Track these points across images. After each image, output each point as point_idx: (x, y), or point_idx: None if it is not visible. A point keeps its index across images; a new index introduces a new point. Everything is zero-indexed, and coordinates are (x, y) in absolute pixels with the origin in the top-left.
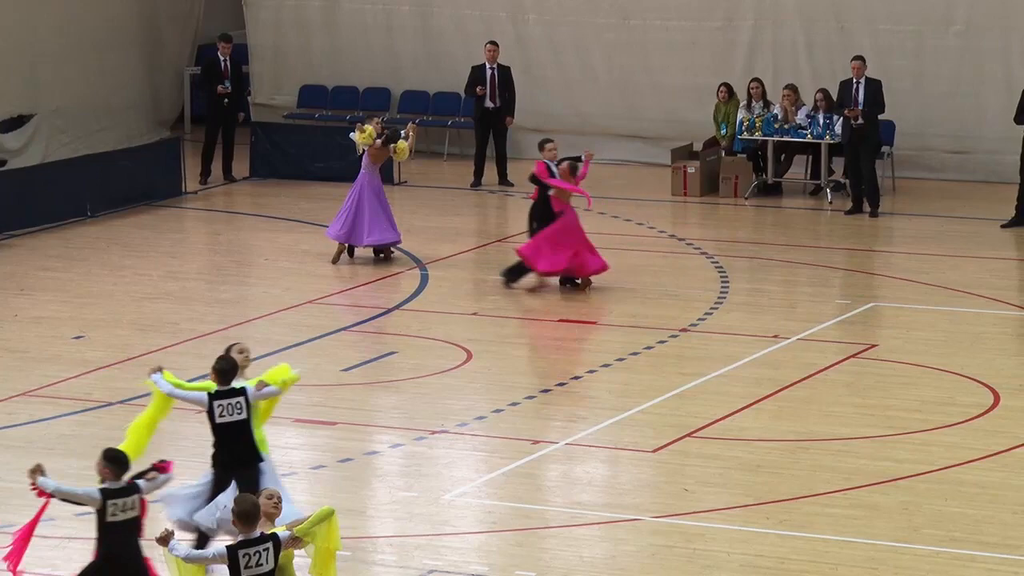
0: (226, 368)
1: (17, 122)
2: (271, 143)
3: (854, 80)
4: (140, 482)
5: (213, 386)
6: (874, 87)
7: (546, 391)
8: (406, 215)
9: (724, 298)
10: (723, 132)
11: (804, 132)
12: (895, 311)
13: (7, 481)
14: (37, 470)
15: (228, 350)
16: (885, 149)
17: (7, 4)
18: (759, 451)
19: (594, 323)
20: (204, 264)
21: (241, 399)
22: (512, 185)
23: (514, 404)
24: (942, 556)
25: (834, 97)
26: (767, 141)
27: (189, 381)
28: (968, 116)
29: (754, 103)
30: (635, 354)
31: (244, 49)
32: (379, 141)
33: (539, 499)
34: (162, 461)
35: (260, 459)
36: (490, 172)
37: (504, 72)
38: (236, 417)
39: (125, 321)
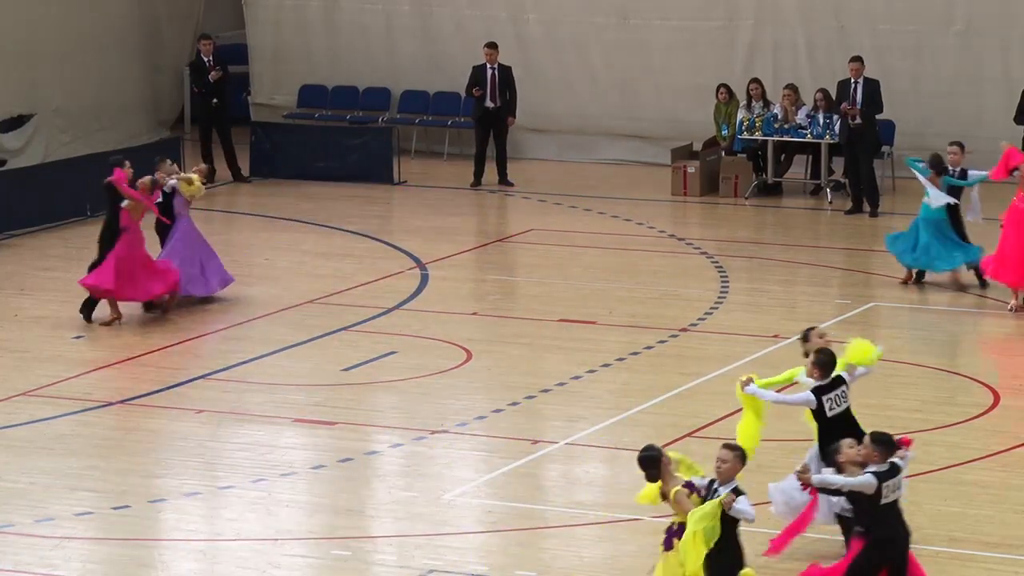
0: (827, 360)
1: (17, 122)
2: (271, 143)
3: (852, 80)
4: (898, 461)
5: (795, 373)
6: (872, 87)
7: (546, 391)
8: (406, 215)
9: (724, 298)
10: (724, 133)
11: (804, 132)
12: (895, 311)
13: (7, 481)
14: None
15: (807, 336)
16: (885, 149)
17: (7, 4)
18: (759, 451)
19: (594, 323)
20: None
21: (844, 387)
22: (512, 185)
23: (514, 404)
24: (942, 556)
25: (833, 97)
26: (767, 141)
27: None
28: (968, 116)
29: (754, 103)
30: (635, 354)
31: (244, 49)
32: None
33: (539, 499)
34: (902, 436)
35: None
36: (490, 172)
37: (505, 72)
38: (842, 407)
39: (125, 321)
